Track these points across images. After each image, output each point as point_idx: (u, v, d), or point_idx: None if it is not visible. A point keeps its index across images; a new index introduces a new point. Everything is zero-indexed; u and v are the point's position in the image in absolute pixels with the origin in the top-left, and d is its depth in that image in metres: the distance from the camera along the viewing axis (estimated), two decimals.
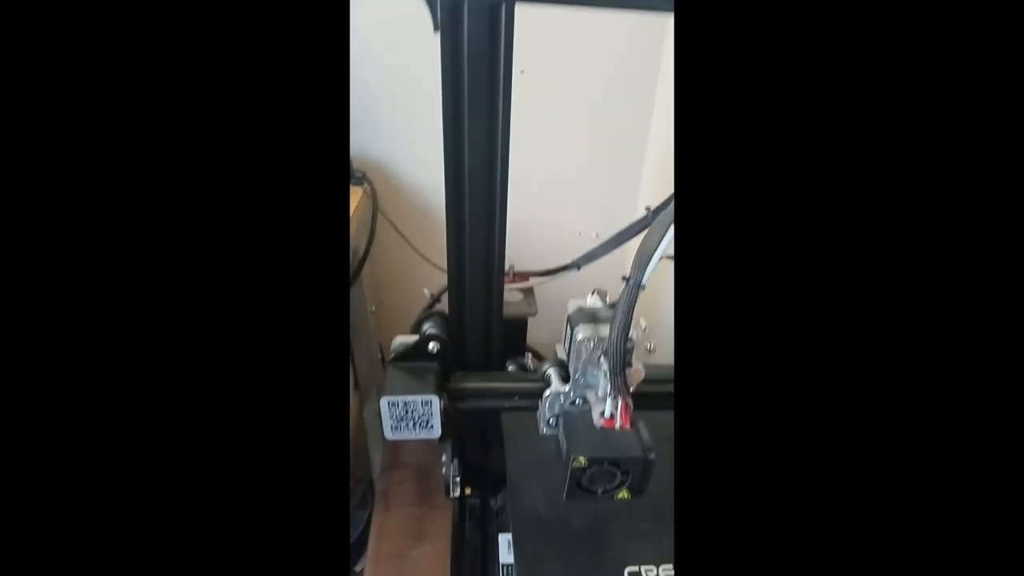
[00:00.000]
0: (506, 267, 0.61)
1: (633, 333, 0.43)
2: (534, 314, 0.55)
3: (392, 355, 0.50)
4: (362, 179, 0.81)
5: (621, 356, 0.40)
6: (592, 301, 0.46)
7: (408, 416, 0.47)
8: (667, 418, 0.71)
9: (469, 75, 0.40)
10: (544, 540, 0.50)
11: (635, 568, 0.47)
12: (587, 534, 0.51)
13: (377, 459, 0.83)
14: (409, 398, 0.46)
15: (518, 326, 0.54)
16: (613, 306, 0.43)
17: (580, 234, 0.99)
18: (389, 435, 0.47)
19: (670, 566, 0.47)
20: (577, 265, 0.57)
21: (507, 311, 0.53)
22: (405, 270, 0.94)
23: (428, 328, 0.50)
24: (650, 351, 0.43)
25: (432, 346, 0.48)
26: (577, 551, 0.49)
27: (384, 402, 0.46)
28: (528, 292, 0.57)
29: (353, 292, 0.87)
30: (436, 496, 0.69)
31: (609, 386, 0.42)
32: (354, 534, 0.89)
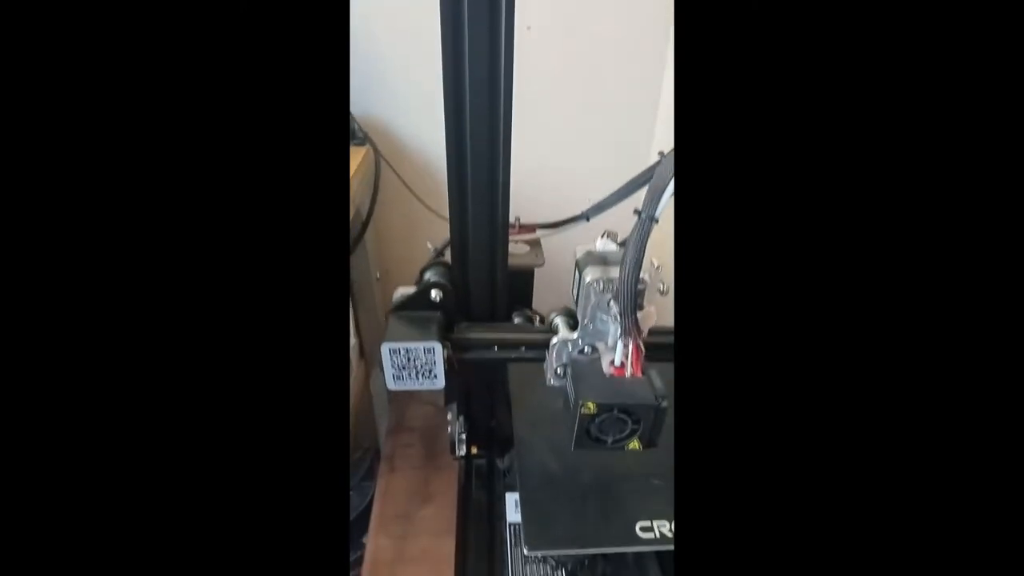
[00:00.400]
0: (512, 219, 0.59)
1: (645, 274, 0.41)
2: (541, 265, 0.53)
3: (393, 305, 0.48)
4: (364, 139, 0.79)
5: (632, 296, 0.38)
6: (602, 244, 0.44)
7: (410, 365, 0.45)
8: None
9: (470, 25, 0.38)
10: (552, 494, 0.48)
11: (647, 523, 0.45)
12: (596, 489, 0.49)
13: (384, 428, 0.82)
14: (411, 345, 0.44)
15: (524, 278, 0.52)
16: (624, 244, 0.41)
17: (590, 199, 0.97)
18: (391, 385, 0.46)
19: None
20: (586, 216, 0.54)
21: (513, 262, 0.51)
22: (410, 234, 0.92)
23: (431, 277, 0.48)
24: (663, 292, 0.41)
25: (435, 294, 0.47)
26: (586, 506, 0.47)
27: (385, 349, 0.44)
28: (535, 244, 0.55)
29: (356, 258, 0.86)
30: (442, 458, 0.68)
31: (619, 330, 0.40)
32: (362, 505, 0.88)
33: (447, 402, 0.62)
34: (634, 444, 0.43)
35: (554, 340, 0.44)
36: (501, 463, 0.60)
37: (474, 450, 0.60)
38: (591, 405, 0.40)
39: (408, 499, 0.64)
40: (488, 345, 0.48)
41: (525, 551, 0.43)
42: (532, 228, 0.56)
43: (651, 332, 0.51)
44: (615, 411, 0.41)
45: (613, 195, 0.51)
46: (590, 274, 0.41)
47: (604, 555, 0.50)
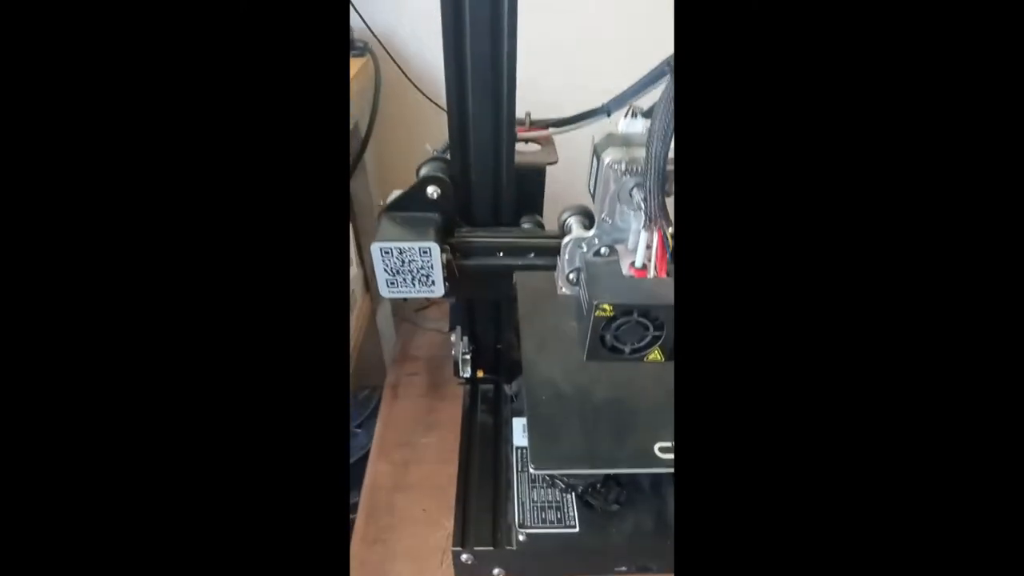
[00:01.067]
0: (521, 115, 0.53)
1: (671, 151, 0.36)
2: (553, 162, 0.47)
3: (387, 205, 0.43)
4: (364, 49, 0.72)
5: (659, 174, 0.32)
6: (626, 125, 0.38)
7: (405, 268, 0.41)
8: None
9: None
10: (561, 413, 0.44)
11: (667, 444, 0.41)
12: (611, 408, 0.45)
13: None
14: (405, 245, 0.39)
15: (534, 178, 0.46)
16: (651, 113, 0.35)
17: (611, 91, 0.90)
18: (384, 291, 0.41)
19: None
20: (607, 110, 0.48)
21: (521, 160, 0.46)
22: (415, 156, 0.87)
23: (428, 172, 0.42)
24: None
25: (432, 191, 0.41)
26: (599, 426, 0.43)
27: (376, 249, 0.39)
28: (547, 142, 0.49)
29: (356, 182, 0.81)
30: (448, 387, 0.64)
31: (642, 223, 0.35)
32: (369, 443, 0.86)
33: (452, 327, 0.58)
34: (655, 355, 0.38)
35: (566, 239, 0.39)
36: (509, 388, 0.57)
37: (480, 374, 0.56)
38: (607, 307, 0.35)
39: (411, 427, 0.61)
40: (492, 250, 0.43)
41: (531, 469, 0.39)
42: (544, 125, 0.50)
43: None
44: (635, 314, 0.36)
45: (639, 83, 0.45)
46: (609, 155, 0.35)
47: (618, 481, 0.46)
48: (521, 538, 0.41)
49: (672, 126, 0.31)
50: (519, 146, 0.52)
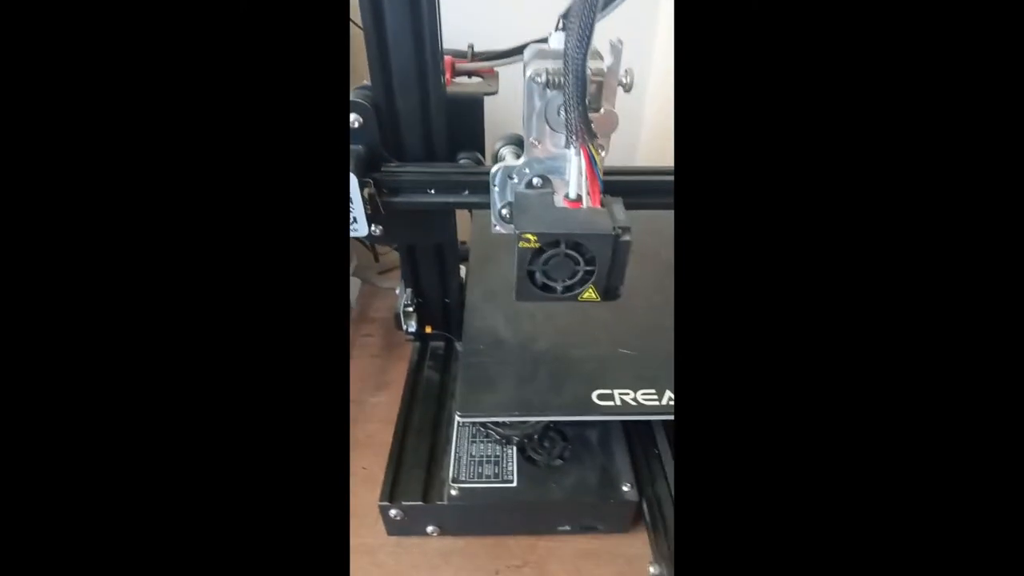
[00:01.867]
0: (465, 47, 0.50)
1: (603, 60, 0.32)
2: (492, 92, 0.44)
3: None
4: None
5: (579, 83, 0.29)
6: (556, 39, 0.34)
7: None
8: (666, 217, 0.59)
9: None
10: (498, 361, 0.42)
11: (607, 391, 0.38)
12: (553, 357, 0.42)
13: None
14: None
15: (471, 111, 0.43)
16: (568, 15, 0.31)
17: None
18: None
19: (652, 391, 0.38)
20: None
21: (456, 91, 0.42)
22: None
23: (350, 98, 0.39)
24: (627, 88, 0.32)
25: (353, 119, 0.38)
26: (537, 374, 0.40)
27: None
28: (491, 75, 0.46)
29: None
30: (403, 347, 0.61)
31: (566, 136, 0.31)
32: None
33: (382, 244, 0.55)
34: (590, 293, 0.35)
35: (493, 169, 0.36)
36: (460, 345, 0.54)
37: (428, 330, 0.53)
38: (531, 238, 0.32)
39: (361, 386, 0.59)
40: (421, 187, 0.40)
41: (457, 417, 0.37)
42: (489, 57, 0.47)
43: (636, 171, 0.42)
44: (562, 245, 0.33)
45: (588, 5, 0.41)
46: (531, 67, 0.32)
47: (563, 435, 0.44)
48: (453, 492, 0.39)
49: (591, 27, 0.27)
50: (462, 80, 0.48)
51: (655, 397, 0.37)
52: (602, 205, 0.35)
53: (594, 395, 0.37)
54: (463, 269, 0.53)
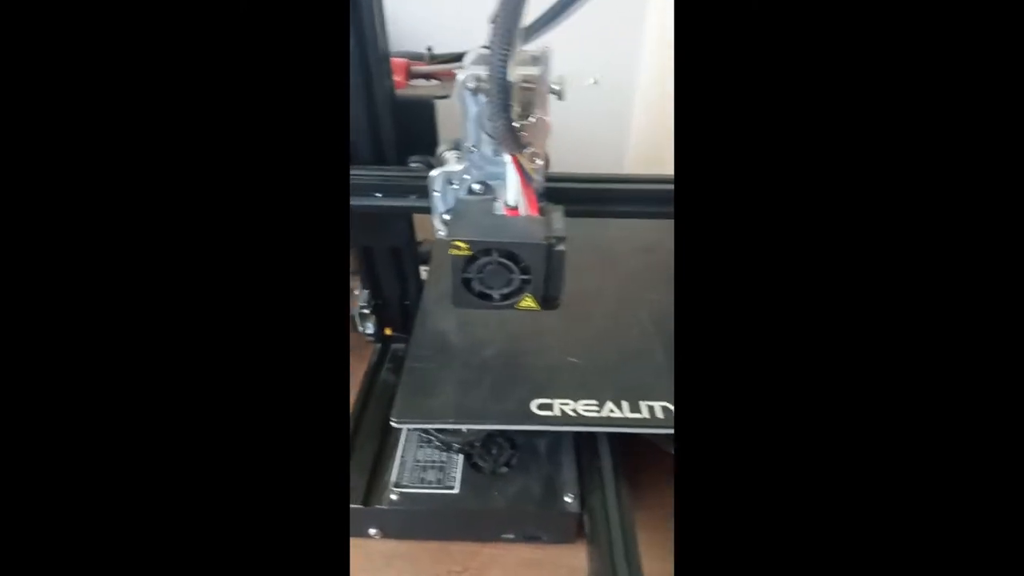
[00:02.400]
0: (423, 49, 0.49)
1: (534, 67, 0.31)
2: (445, 96, 0.43)
3: None
4: None
5: (502, 87, 0.28)
6: None
7: None
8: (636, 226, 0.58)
9: None
10: (442, 366, 0.41)
11: (548, 400, 0.38)
12: (499, 364, 0.42)
13: None
14: None
15: (423, 114, 0.43)
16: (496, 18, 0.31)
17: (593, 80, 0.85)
18: None
19: (593, 402, 0.37)
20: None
21: (407, 93, 0.42)
22: None
23: None
24: (560, 95, 0.31)
25: None
26: (481, 381, 0.40)
27: None
28: (448, 78, 0.45)
29: None
30: (366, 349, 0.62)
31: (497, 144, 0.31)
32: None
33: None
34: (528, 301, 0.35)
35: (434, 173, 0.36)
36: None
37: (388, 331, 0.53)
38: (462, 245, 0.32)
39: None
40: (367, 190, 0.39)
41: (392, 423, 0.36)
42: (447, 60, 0.47)
43: (593, 179, 0.41)
44: (494, 254, 0.32)
45: (552, 10, 0.41)
46: (464, 72, 0.31)
47: (513, 442, 0.43)
48: (393, 497, 0.39)
49: (512, 34, 0.27)
50: (419, 83, 0.48)
51: (596, 408, 0.37)
52: (541, 213, 0.35)
53: (534, 404, 0.37)
54: (425, 271, 0.53)
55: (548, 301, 0.35)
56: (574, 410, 0.37)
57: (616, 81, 0.88)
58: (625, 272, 0.50)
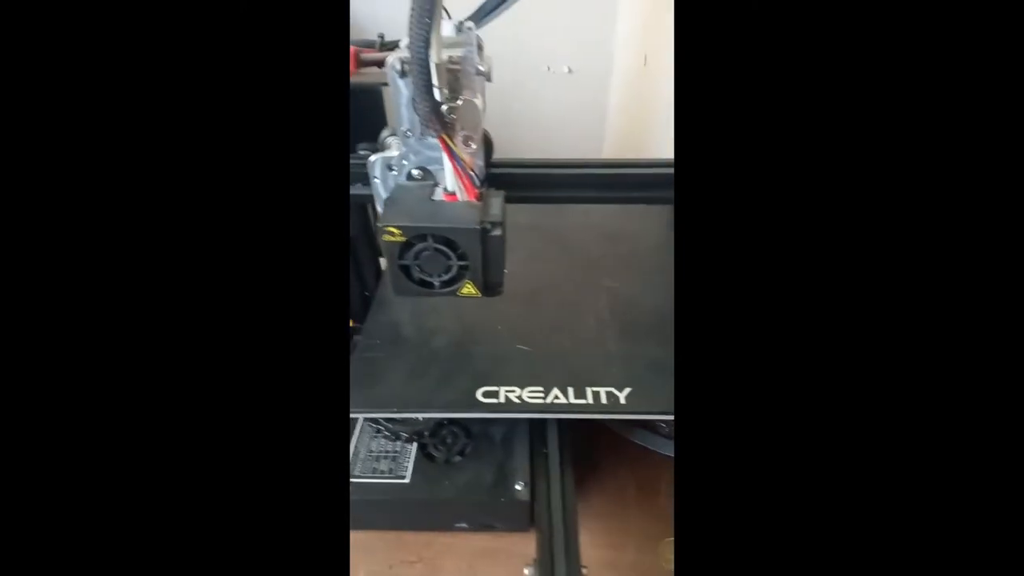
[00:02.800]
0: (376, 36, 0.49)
1: (459, 48, 0.31)
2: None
3: None
4: None
5: (423, 70, 0.28)
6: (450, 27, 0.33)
7: None
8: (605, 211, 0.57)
9: None
10: (392, 355, 0.41)
11: (494, 388, 0.38)
12: (448, 353, 0.41)
13: None
14: None
15: (370, 101, 0.42)
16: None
17: (551, 69, 0.84)
18: None
19: (539, 388, 0.37)
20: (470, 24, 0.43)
21: (357, 81, 0.41)
22: None
23: None
24: (488, 76, 0.31)
25: None
26: (428, 370, 0.40)
27: None
28: None
29: None
30: None
31: (423, 127, 0.30)
32: None
33: None
34: (469, 289, 0.35)
35: (373, 158, 0.35)
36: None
37: (351, 323, 0.53)
38: (394, 231, 0.32)
39: None
40: None
41: None
42: (396, 47, 0.46)
43: (547, 164, 0.41)
44: (429, 240, 0.32)
45: None
46: (393, 55, 0.31)
47: (468, 432, 0.43)
48: None
49: (430, 13, 0.26)
50: (369, 71, 0.47)
51: (541, 394, 0.36)
52: (480, 198, 0.34)
53: (479, 392, 0.37)
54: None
55: (490, 288, 0.35)
56: (519, 397, 0.36)
57: (591, 69, 0.87)
58: (585, 259, 0.50)
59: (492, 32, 0.81)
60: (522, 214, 0.58)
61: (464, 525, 0.41)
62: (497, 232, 0.32)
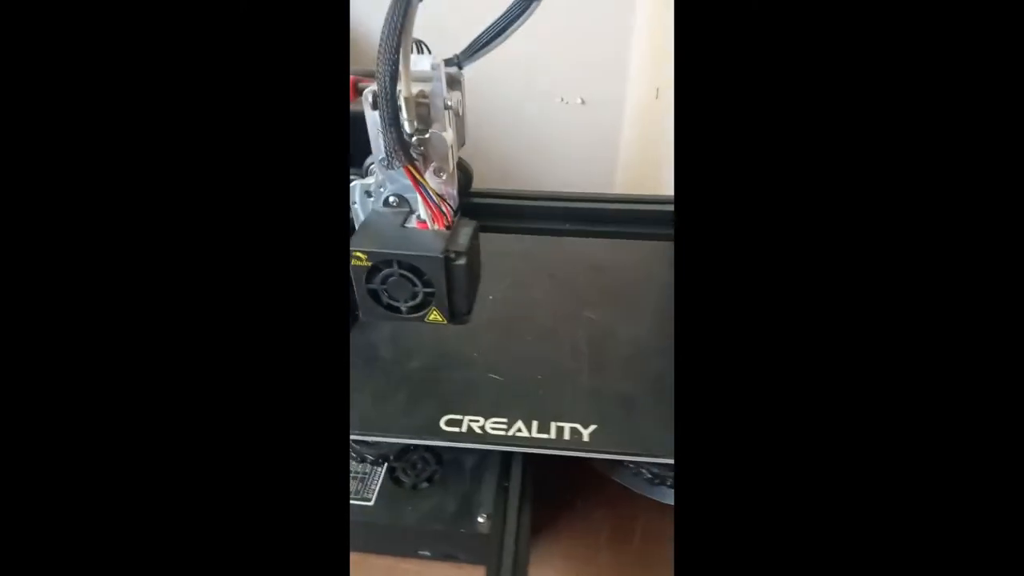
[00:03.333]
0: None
1: (427, 83, 0.32)
2: None
3: None
4: None
5: (389, 101, 0.28)
6: (414, 60, 0.34)
7: None
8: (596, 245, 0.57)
9: None
10: (362, 376, 0.41)
11: (458, 416, 0.37)
12: (420, 377, 0.42)
13: None
14: None
15: (359, 127, 0.43)
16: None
17: (564, 100, 0.85)
18: None
19: (503, 420, 0.37)
20: (458, 62, 0.45)
21: (352, 109, 0.43)
22: None
23: None
24: (458, 112, 0.31)
25: None
26: (396, 393, 0.40)
27: None
28: None
29: None
30: None
31: (389, 157, 0.31)
32: None
33: None
34: (435, 315, 0.35)
35: (352, 184, 0.36)
36: None
37: None
38: (361, 256, 0.32)
39: None
40: None
41: None
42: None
43: (525, 196, 0.41)
44: (395, 266, 0.33)
45: (490, 30, 0.41)
46: (368, 87, 0.32)
47: (439, 457, 0.43)
48: None
49: (396, 48, 0.27)
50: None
51: (504, 426, 0.36)
52: (447, 227, 0.35)
53: (443, 420, 0.36)
54: None
55: (456, 315, 0.35)
56: (482, 427, 0.36)
57: (605, 100, 0.88)
58: (570, 290, 0.49)
59: (506, 63, 0.83)
60: (517, 242, 0.58)
61: (427, 553, 0.41)
62: (461, 262, 0.32)
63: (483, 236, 0.39)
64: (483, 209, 0.44)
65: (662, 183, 0.88)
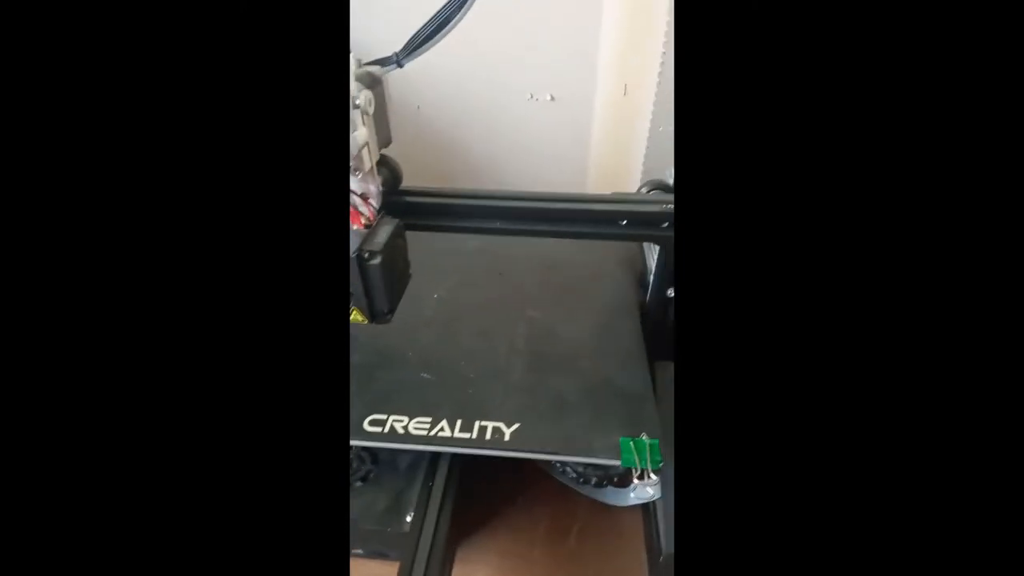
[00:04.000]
0: None
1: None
2: None
3: None
4: None
5: None
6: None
7: None
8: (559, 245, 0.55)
9: None
10: None
11: (382, 416, 0.37)
12: (354, 375, 0.41)
13: None
14: None
15: None
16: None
17: (533, 97, 0.85)
18: None
19: (427, 419, 0.37)
20: (398, 61, 0.44)
21: None
22: None
23: None
24: (366, 111, 0.31)
25: None
26: (362, 395, 0.40)
27: None
28: None
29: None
30: None
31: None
32: None
33: None
34: (356, 315, 0.35)
35: None
36: None
37: None
38: None
39: None
40: None
41: None
42: None
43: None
44: None
45: (428, 25, 0.41)
46: None
47: (375, 457, 0.42)
48: None
49: None
50: None
51: (427, 426, 0.36)
52: (367, 226, 0.34)
53: (366, 421, 0.36)
54: None
55: (375, 315, 0.35)
56: (405, 427, 0.36)
57: (574, 97, 0.87)
58: (517, 288, 0.49)
59: (475, 58, 0.82)
60: (470, 240, 0.58)
61: (360, 552, 0.41)
62: (375, 261, 0.32)
63: (434, 235, 0.39)
64: (436, 208, 0.44)
65: (635, 181, 0.87)
